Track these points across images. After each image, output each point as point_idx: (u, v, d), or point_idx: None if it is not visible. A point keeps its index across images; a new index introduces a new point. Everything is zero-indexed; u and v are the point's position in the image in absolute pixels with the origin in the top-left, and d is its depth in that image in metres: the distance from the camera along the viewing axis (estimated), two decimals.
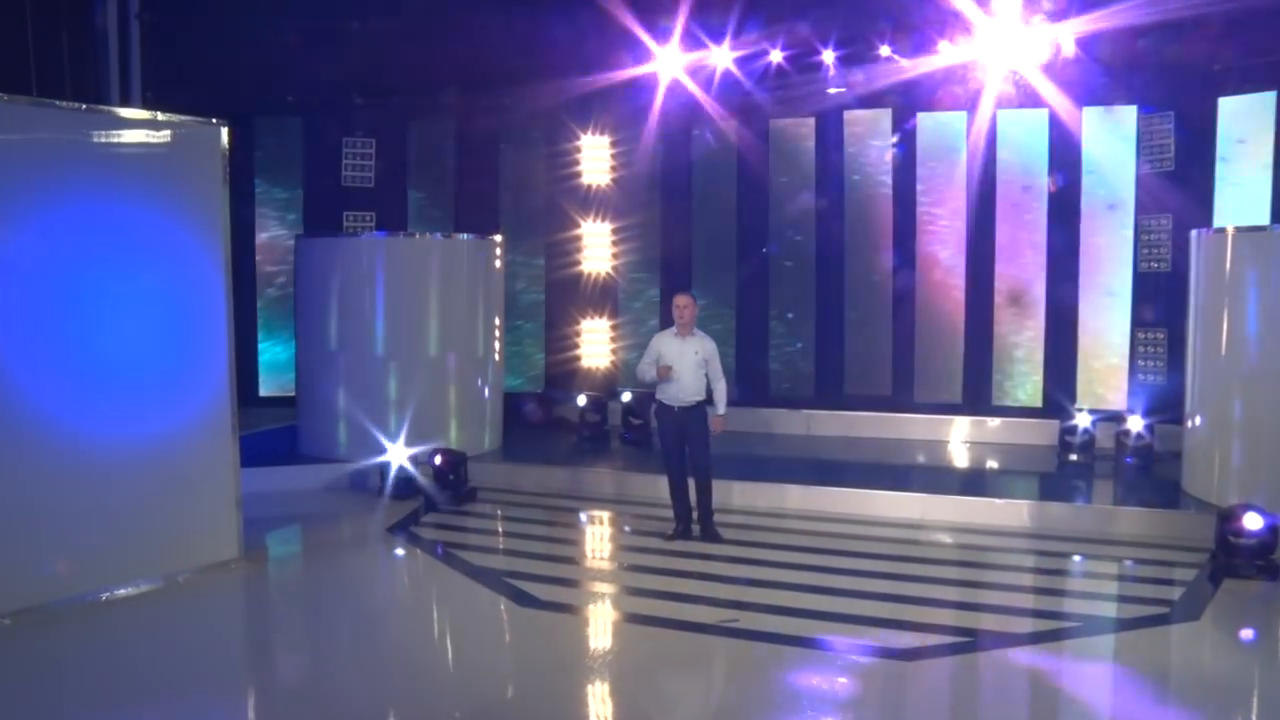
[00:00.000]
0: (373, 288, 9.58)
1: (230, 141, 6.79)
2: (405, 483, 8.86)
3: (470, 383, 10.04)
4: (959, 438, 10.61)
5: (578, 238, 11.93)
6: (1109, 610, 6.07)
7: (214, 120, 6.74)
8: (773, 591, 6.34)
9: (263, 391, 11.45)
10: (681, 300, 7.45)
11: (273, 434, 10.28)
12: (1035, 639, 5.52)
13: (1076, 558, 7.12)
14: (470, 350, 9.99)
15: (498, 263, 10.42)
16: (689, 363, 7.31)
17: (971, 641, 5.52)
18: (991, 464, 9.84)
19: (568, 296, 11.96)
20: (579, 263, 11.95)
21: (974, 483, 9.21)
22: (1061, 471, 9.33)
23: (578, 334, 12.00)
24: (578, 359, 11.98)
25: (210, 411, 6.73)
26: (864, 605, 6.07)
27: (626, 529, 8.10)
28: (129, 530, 6.30)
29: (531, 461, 9.79)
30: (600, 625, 5.80)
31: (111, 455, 6.19)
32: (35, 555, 5.87)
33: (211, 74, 10.53)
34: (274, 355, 11.54)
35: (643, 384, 7.80)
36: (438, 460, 8.81)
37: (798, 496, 8.52)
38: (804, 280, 11.29)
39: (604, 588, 6.45)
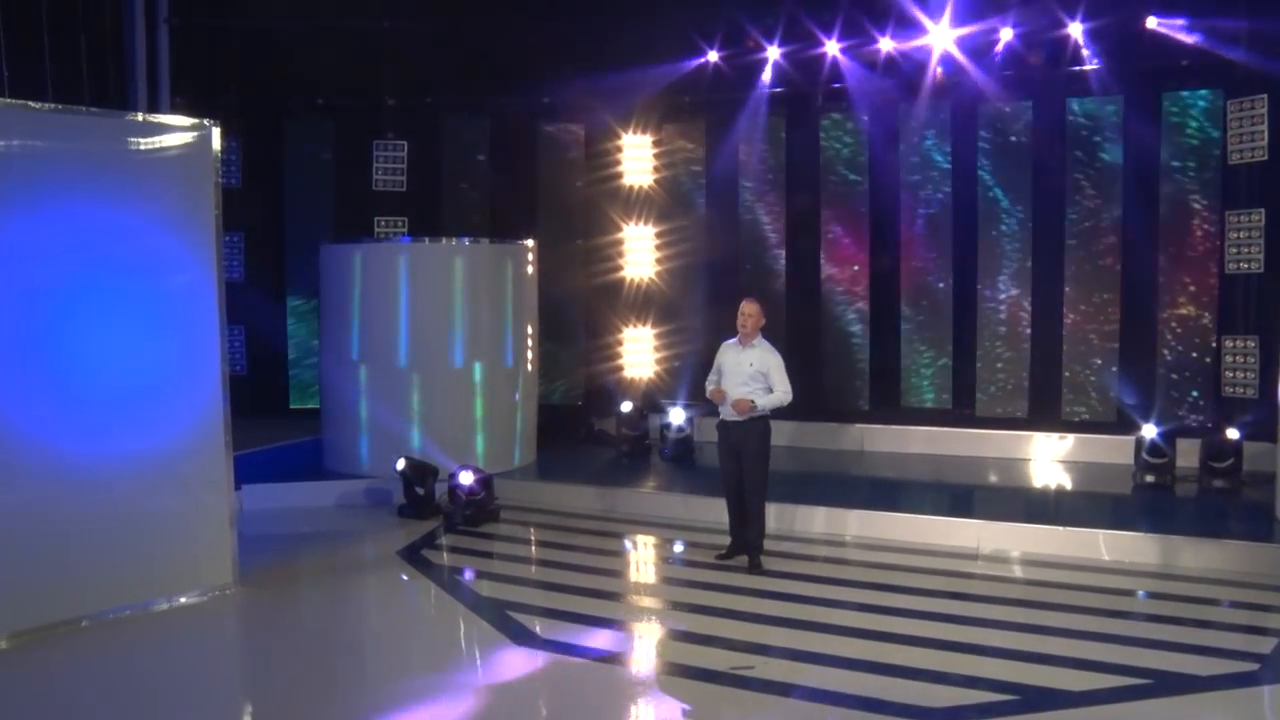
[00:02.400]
0: (396, 296, 9.18)
1: (224, 142, 6.46)
2: (424, 502, 8.46)
3: (499, 395, 9.56)
4: (1024, 455, 9.76)
5: (619, 241, 11.41)
6: (1184, 664, 5.23)
7: (205, 121, 6.39)
8: (803, 633, 5.70)
9: None
10: (746, 307, 6.88)
11: (299, 447, 9.97)
12: (1091, 699, 4.76)
13: (1150, 598, 6.30)
14: (499, 361, 9.52)
15: (530, 268, 9.95)
16: (742, 375, 6.75)
17: (1019, 700, 4.79)
18: (1059, 485, 8.98)
19: (608, 303, 11.44)
20: (620, 268, 11.42)
21: (1038, 507, 8.36)
22: (1137, 495, 8.44)
23: (619, 343, 11.47)
24: (619, 370, 11.45)
25: (200, 427, 6.35)
26: (903, 652, 5.39)
27: (655, 556, 7.53)
28: (111, 553, 5.95)
29: (562, 479, 9.27)
30: (594, 669, 5.22)
31: (91, 473, 5.86)
32: (5, 580, 5.55)
33: (241, 78, 10.30)
34: None
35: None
36: (460, 478, 8.37)
37: (845, 521, 7.81)
38: (858, 286, 10.58)
39: (613, 624, 5.87)
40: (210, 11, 10.44)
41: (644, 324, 11.44)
